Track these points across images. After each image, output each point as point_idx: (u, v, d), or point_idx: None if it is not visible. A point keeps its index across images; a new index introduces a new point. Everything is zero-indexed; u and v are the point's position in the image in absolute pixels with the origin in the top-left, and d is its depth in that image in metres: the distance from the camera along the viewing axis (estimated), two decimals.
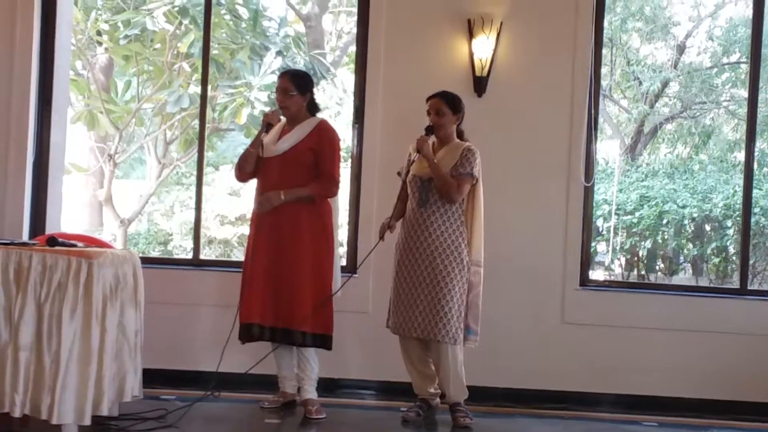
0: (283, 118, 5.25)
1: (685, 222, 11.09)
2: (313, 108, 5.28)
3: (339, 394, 5.65)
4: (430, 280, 5.00)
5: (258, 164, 5.17)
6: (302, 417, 5.09)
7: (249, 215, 5.43)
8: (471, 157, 5.05)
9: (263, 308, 5.05)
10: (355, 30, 6.32)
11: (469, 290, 5.07)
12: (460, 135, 5.24)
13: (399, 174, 5.24)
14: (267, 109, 10.41)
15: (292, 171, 5.09)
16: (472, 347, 5.12)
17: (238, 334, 5.12)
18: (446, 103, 5.14)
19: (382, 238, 5.20)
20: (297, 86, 5.16)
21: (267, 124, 5.15)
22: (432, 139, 5.17)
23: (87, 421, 4.20)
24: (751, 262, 9.06)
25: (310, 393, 5.19)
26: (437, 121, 5.12)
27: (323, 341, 5.11)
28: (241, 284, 5.18)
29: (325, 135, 5.15)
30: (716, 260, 11.16)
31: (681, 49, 13.07)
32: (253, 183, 5.30)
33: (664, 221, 11.07)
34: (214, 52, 9.38)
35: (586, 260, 6.11)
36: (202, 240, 8.62)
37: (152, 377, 5.23)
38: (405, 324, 5.07)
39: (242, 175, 5.26)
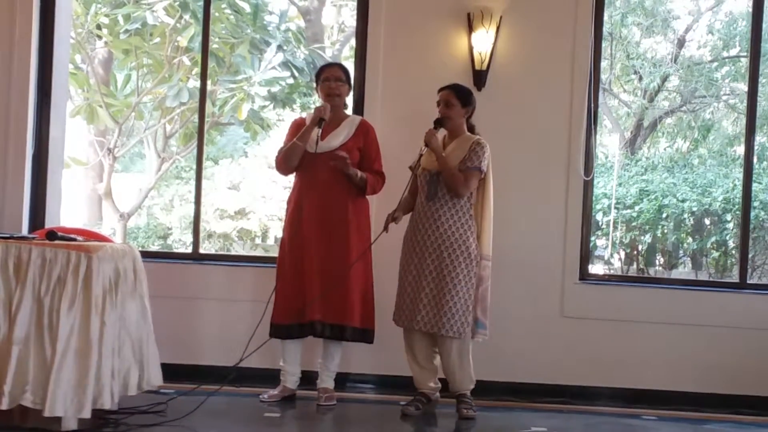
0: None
1: (685, 216, 11.09)
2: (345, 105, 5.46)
3: (339, 388, 5.64)
4: (436, 274, 5.00)
5: (301, 159, 5.22)
6: (302, 410, 5.12)
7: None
8: (480, 151, 5.06)
9: (322, 304, 5.09)
10: (355, 23, 6.31)
11: (478, 284, 5.08)
12: (471, 129, 5.24)
13: (411, 168, 5.23)
14: (268, 103, 10.44)
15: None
16: (480, 341, 5.13)
17: (284, 331, 5.17)
18: (456, 95, 5.15)
19: (386, 229, 5.21)
20: (346, 77, 5.35)
21: (320, 119, 5.16)
22: (443, 131, 5.17)
23: (87, 414, 4.20)
24: (750, 255, 9.06)
25: (327, 382, 5.32)
26: (445, 113, 5.13)
27: (367, 335, 5.23)
28: (282, 277, 5.21)
29: (370, 134, 5.34)
30: (716, 254, 11.17)
31: (681, 43, 13.06)
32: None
33: (664, 215, 11.06)
34: (213, 46, 9.37)
35: (586, 254, 6.11)
36: (202, 234, 8.64)
37: None
38: (410, 317, 5.07)
39: (288, 169, 5.30)
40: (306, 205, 5.18)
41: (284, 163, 5.26)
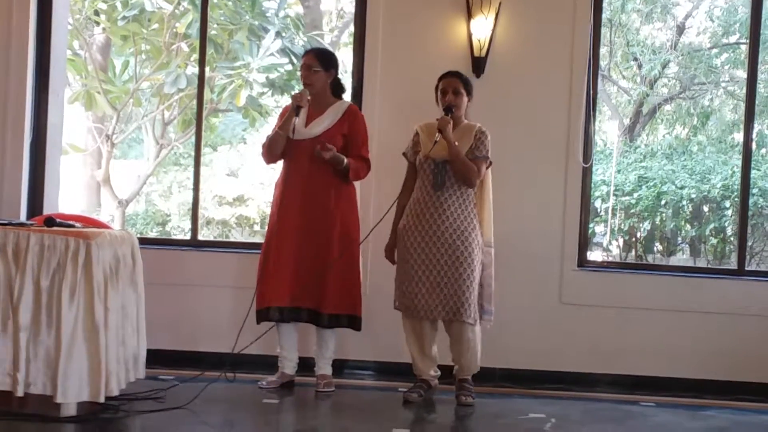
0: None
1: (684, 203, 11.09)
2: (338, 89, 5.35)
3: (337, 375, 5.66)
4: (452, 263, 4.97)
5: (285, 146, 5.19)
6: (301, 397, 5.14)
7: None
8: (485, 140, 5.06)
9: (295, 289, 5.10)
10: (353, 9, 6.30)
11: (481, 270, 5.08)
12: (466, 116, 5.23)
13: (405, 155, 5.20)
14: (266, 90, 10.42)
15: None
16: (486, 327, 5.14)
17: (264, 315, 5.16)
18: (462, 83, 5.12)
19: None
20: (321, 62, 5.24)
21: (297, 107, 5.12)
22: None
23: (101, 399, 4.22)
24: (749, 243, 9.08)
25: (324, 369, 5.31)
26: (455, 101, 5.08)
27: (352, 322, 5.20)
28: (263, 262, 5.19)
29: (356, 120, 5.26)
30: (714, 241, 11.17)
31: (680, 29, 13.03)
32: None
33: (663, 202, 11.07)
34: (212, 32, 9.34)
35: (584, 241, 6.11)
36: (200, 221, 8.62)
37: (150, 357, 5.21)
38: (426, 307, 5.01)
39: (272, 158, 5.29)
40: (289, 191, 5.17)
41: (268, 152, 5.25)
